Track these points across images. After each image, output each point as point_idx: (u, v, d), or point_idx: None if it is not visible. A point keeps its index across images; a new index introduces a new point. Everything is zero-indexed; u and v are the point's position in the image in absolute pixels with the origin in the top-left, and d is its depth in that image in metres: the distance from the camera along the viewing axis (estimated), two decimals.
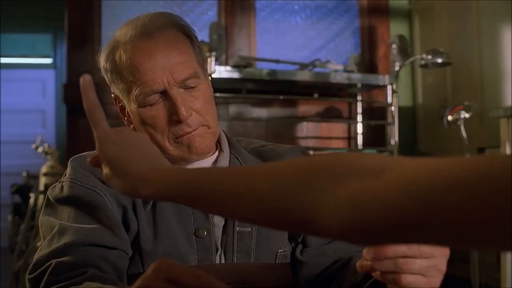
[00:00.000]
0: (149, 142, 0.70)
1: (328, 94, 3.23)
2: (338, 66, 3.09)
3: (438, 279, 0.69)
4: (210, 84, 1.00)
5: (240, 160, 1.01)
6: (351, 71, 3.07)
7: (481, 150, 2.74)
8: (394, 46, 2.88)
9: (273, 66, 3.04)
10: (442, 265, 0.69)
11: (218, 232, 0.94)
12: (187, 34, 0.97)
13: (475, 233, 0.38)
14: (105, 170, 0.66)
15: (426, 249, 0.67)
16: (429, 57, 2.68)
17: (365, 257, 0.69)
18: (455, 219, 0.38)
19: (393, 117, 2.94)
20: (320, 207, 0.46)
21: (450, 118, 2.52)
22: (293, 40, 3.39)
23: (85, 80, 0.66)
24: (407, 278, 0.67)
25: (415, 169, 0.43)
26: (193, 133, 0.94)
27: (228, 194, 0.54)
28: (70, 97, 3.04)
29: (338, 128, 3.37)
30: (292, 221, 0.49)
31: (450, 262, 0.70)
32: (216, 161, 1.01)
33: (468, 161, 0.40)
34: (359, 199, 0.44)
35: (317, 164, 0.51)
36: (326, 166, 0.49)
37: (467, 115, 2.48)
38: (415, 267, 0.66)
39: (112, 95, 1.01)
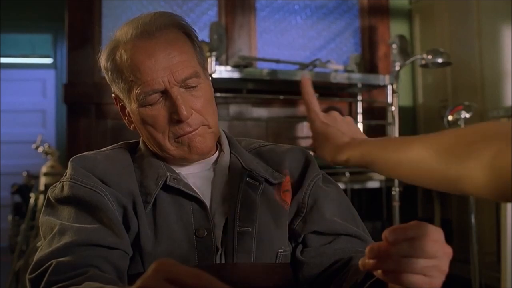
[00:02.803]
0: (351, 121, 0.86)
1: (329, 94, 3.23)
2: (339, 66, 3.09)
3: (440, 279, 0.69)
4: (211, 83, 1.00)
5: (241, 160, 1.01)
6: (352, 71, 3.07)
7: None
8: (394, 46, 2.88)
9: (274, 66, 3.04)
10: (445, 266, 0.68)
11: (219, 232, 0.94)
12: (188, 33, 0.97)
13: None
14: (316, 146, 0.85)
15: (429, 249, 0.67)
16: (430, 57, 2.68)
17: (368, 256, 0.69)
18: None
19: (393, 117, 2.94)
20: (469, 166, 0.57)
21: (450, 118, 2.52)
22: (293, 40, 3.39)
23: (305, 78, 0.87)
24: (409, 278, 0.67)
25: None
26: (193, 132, 0.94)
27: (396, 162, 0.69)
28: (70, 97, 3.04)
29: None
30: (447, 180, 0.61)
31: (451, 262, 0.70)
32: (216, 161, 1.01)
33: None
34: (497, 159, 0.53)
35: (467, 132, 0.62)
36: (474, 133, 0.60)
37: (467, 115, 2.48)
38: (417, 267, 0.66)
39: (113, 95, 1.01)
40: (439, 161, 0.62)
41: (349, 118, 0.86)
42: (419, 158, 0.65)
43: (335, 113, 0.86)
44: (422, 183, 0.67)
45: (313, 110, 0.86)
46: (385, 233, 0.67)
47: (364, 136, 0.83)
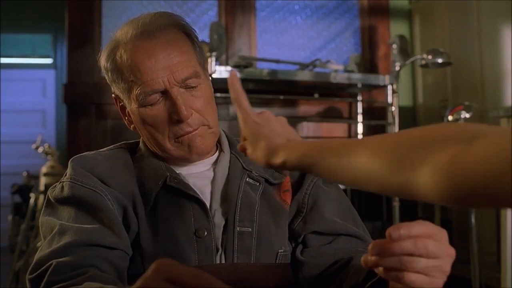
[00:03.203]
0: (285, 121, 0.81)
1: (329, 94, 3.23)
2: (339, 66, 3.09)
3: (441, 280, 0.69)
4: (211, 84, 1.00)
5: (241, 160, 1.01)
6: (352, 71, 3.07)
7: None
8: (394, 46, 2.88)
9: (274, 66, 3.04)
10: (447, 267, 0.69)
11: (219, 232, 0.94)
12: (188, 33, 0.97)
13: None
14: (248, 148, 0.77)
15: (432, 249, 0.67)
16: (430, 57, 2.68)
17: (370, 252, 0.69)
18: None
19: (393, 117, 2.94)
20: (419, 172, 0.52)
21: (450, 118, 2.52)
22: (293, 40, 3.39)
23: (233, 74, 0.80)
24: (410, 277, 0.67)
25: (506, 135, 0.46)
26: (193, 132, 0.94)
27: (338, 167, 0.64)
28: (70, 97, 3.04)
29: (338, 128, 3.37)
30: (393, 185, 0.57)
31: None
32: (216, 161, 1.01)
33: None
34: (454, 163, 0.49)
35: (415, 135, 0.58)
36: (423, 136, 0.56)
37: (467, 115, 2.48)
38: (419, 266, 0.66)
39: (113, 95, 1.01)
40: (384, 167, 0.57)
41: (282, 119, 0.81)
42: (362, 164, 0.60)
43: (268, 113, 0.81)
44: (367, 188, 0.63)
45: (245, 109, 0.79)
46: (389, 230, 0.67)
47: (300, 138, 0.79)
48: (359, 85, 3.10)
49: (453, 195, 0.49)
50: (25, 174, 4.45)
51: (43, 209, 0.95)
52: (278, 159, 0.72)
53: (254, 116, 0.78)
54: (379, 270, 0.69)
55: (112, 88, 0.99)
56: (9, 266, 3.34)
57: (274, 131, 0.76)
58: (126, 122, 1.02)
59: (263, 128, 0.77)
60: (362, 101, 3.29)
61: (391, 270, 0.68)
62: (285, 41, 3.37)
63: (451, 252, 0.69)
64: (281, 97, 2.90)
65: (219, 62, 2.81)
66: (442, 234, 0.68)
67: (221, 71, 2.69)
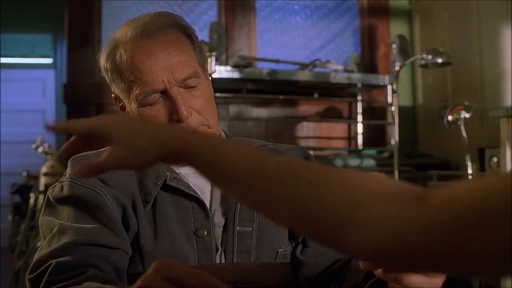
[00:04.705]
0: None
1: (328, 94, 3.23)
2: (338, 66, 3.09)
3: (440, 279, 0.69)
4: (211, 84, 1.00)
5: None
6: (351, 71, 3.07)
7: (481, 150, 2.74)
8: (394, 46, 2.88)
9: (273, 66, 3.04)
10: None
11: (219, 232, 0.94)
12: (188, 33, 0.97)
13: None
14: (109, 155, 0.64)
15: None
16: (429, 57, 2.68)
17: None
18: (493, 253, 0.38)
19: (393, 117, 2.94)
20: (354, 227, 0.46)
21: (450, 118, 2.51)
22: (293, 40, 3.39)
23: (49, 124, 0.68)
24: (409, 277, 0.67)
25: (452, 197, 0.43)
26: None
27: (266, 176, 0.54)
28: (70, 97, 3.04)
29: (338, 128, 3.37)
30: (318, 232, 0.50)
31: None
32: None
33: (502, 187, 0.39)
34: (394, 225, 0.44)
35: (356, 183, 0.50)
36: (364, 188, 0.49)
37: (467, 115, 2.48)
38: None
39: (113, 95, 1.01)
40: (327, 203, 0.49)
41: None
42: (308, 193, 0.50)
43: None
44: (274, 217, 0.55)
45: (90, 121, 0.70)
46: None
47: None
48: (359, 85, 3.10)
49: (388, 255, 0.45)
50: (25, 174, 4.45)
51: (42, 209, 0.95)
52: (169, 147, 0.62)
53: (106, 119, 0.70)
54: (378, 272, 0.70)
55: (112, 88, 0.99)
56: (9, 266, 3.34)
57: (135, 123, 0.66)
58: None
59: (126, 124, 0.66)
60: (362, 101, 3.29)
61: (390, 271, 0.68)
62: (285, 41, 3.37)
63: None
64: (281, 97, 2.90)
65: (219, 62, 2.81)
66: None
67: (221, 71, 2.69)
